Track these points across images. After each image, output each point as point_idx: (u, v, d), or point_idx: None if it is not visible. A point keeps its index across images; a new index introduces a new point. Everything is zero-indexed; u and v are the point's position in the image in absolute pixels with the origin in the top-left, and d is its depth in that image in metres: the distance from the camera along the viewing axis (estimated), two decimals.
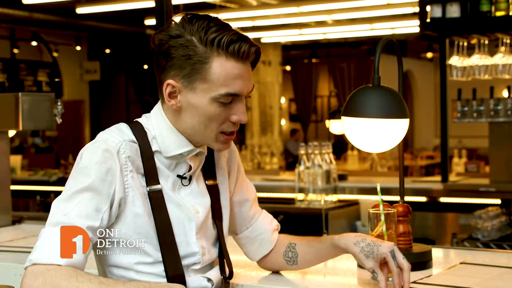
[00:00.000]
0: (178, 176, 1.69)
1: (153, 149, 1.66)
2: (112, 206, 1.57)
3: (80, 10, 8.60)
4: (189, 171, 1.70)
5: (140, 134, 1.65)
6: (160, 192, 1.63)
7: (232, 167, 1.85)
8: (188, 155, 1.68)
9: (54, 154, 12.45)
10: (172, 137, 1.66)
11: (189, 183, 1.71)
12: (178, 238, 1.64)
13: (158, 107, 1.70)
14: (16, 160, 7.57)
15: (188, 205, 1.68)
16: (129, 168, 1.60)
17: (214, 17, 1.61)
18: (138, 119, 1.71)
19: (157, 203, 1.62)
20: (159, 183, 1.64)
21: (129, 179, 1.60)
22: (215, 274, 1.74)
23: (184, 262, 1.66)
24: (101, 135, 1.63)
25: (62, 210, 1.54)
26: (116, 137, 1.62)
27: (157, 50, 1.62)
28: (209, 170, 1.77)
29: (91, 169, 1.56)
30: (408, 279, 1.65)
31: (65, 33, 12.33)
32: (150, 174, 1.63)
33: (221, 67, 1.57)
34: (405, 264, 1.66)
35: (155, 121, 1.68)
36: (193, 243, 1.68)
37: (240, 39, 1.58)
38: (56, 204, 1.56)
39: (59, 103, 3.03)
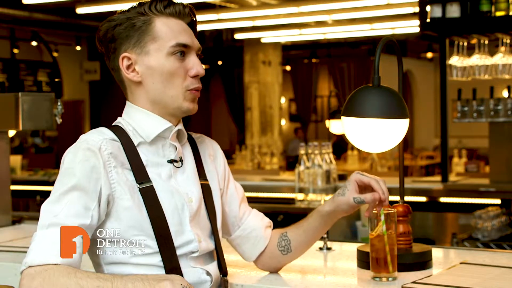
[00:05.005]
0: (169, 161, 1.70)
1: (136, 142, 1.68)
2: (100, 203, 1.58)
3: (80, 10, 8.59)
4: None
5: (120, 132, 1.69)
6: (151, 187, 1.64)
7: (219, 165, 1.89)
8: (169, 135, 1.71)
9: (54, 154, 12.47)
10: (148, 119, 1.70)
11: (182, 165, 1.73)
12: (173, 228, 1.65)
13: (127, 104, 1.75)
14: (16, 160, 7.56)
15: (182, 192, 1.69)
16: (113, 164, 1.61)
17: None
18: (115, 122, 1.75)
19: (149, 199, 1.63)
20: (149, 179, 1.65)
21: (114, 174, 1.61)
22: (214, 269, 1.74)
23: (182, 250, 1.66)
24: (82, 136, 1.66)
25: (51, 212, 1.55)
26: (97, 136, 1.65)
27: (104, 41, 1.71)
28: (198, 170, 1.79)
29: (75, 168, 1.58)
30: (386, 188, 1.77)
31: (65, 33, 12.33)
32: (139, 170, 1.65)
33: (165, 24, 1.68)
34: (377, 177, 1.79)
35: (127, 115, 1.73)
36: (187, 231, 1.68)
37: (171, 2, 1.72)
38: (45, 207, 1.57)
39: (59, 103, 3.02)
